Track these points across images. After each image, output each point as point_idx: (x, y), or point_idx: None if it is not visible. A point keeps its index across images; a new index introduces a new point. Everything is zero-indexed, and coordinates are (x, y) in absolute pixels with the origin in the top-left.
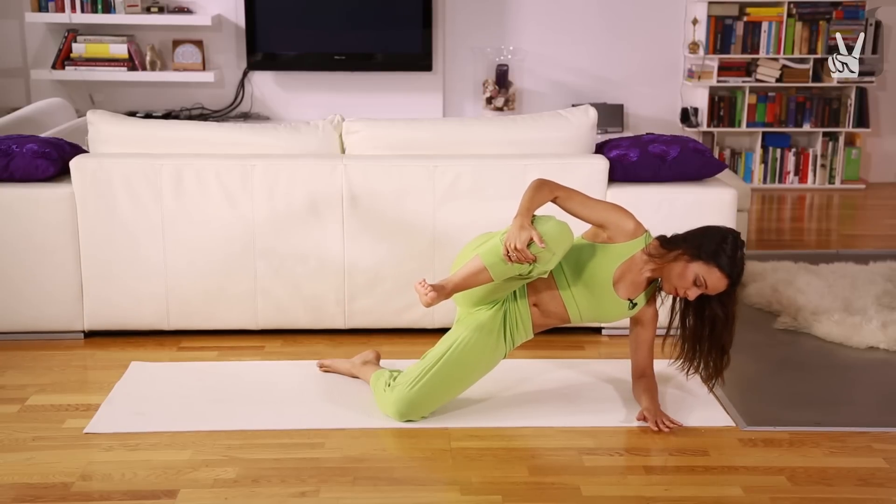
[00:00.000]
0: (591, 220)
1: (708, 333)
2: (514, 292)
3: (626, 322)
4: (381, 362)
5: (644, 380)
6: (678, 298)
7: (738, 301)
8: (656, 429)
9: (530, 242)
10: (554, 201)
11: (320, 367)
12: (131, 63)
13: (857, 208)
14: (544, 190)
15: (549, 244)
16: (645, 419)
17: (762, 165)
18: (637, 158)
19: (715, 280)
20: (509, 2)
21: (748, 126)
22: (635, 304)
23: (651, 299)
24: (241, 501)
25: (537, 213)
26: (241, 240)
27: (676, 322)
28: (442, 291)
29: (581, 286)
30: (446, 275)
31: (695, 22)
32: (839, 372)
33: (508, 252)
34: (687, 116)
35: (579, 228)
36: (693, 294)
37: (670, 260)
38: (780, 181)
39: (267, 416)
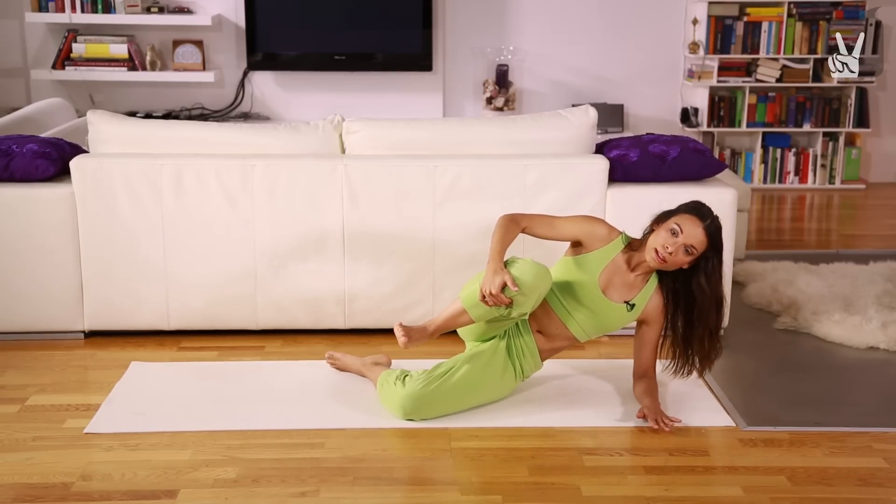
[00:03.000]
0: (564, 239)
1: (696, 313)
2: (517, 323)
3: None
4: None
5: (645, 380)
6: (670, 297)
7: (722, 281)
8: (657, 426)
9: (504, 287)
10: (523, 231)
11: (328, 358)
12: (131, 63)
13: (857, 208)
14: (511, 227)
15: (522, 287)
16: (644, 417)
17: (762, 165)
18: (637, 158)
19: (690, 226)
20: (509, 2)
21: (748, 126)
22: (633, 305)
23: (655, 297)
24: (241, 501)
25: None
26: (241, 240)
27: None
28: (423, 332)
29: (574, 302)
30: (446, 274)
31: (695, 22)
32: (839, 372)
33: (485, 297)
34: (687, 116)
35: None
36: (673, 245)
37: (650, 236)
38: (780, 181)
39: (267, 416)
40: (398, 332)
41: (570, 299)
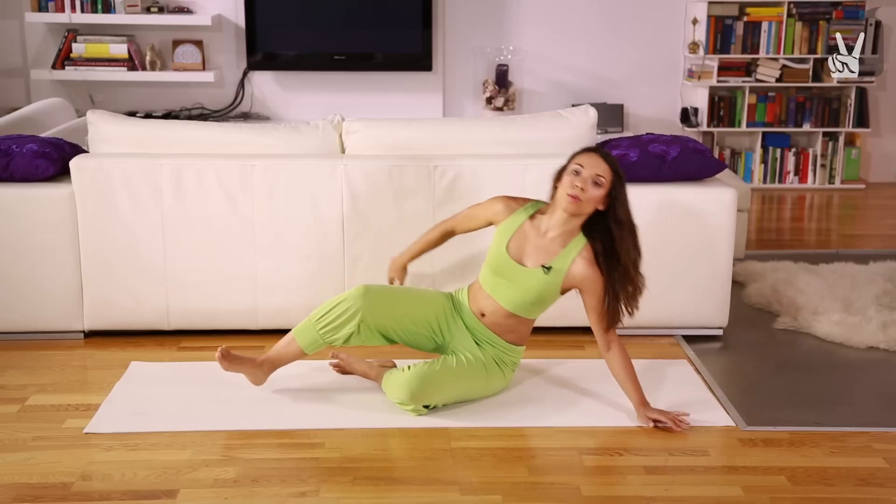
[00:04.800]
0: (485, 224)
1: (619, 248)
2: (459, 310)
3: (624, 321)
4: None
5: (614, 358)
6: (601, 255)
7: (630, 208)
8: (678, 429)
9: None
10: (453, 232)
11: (333, 357)
12: (131, 63)
13: (857, 208)
14: (432, 231)
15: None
16: (656, 422)
17: (762, 165)
18: (637, 158)
19: (589, 160)
20: (509, 2)
21: (748, 126)
22: (550, 269)
23: (579, 260)
24: (241, 501)
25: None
26: (241, 240)
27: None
28: (250, 362)
29: (493, 274)
30: (446, 274)
31: (695, 22)
32: (839, 372)
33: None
34: (687, 116)
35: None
36: (580, 180)
37: (556, 193)
38: (780, 181)
39: (267, 416)
40: (217, 352)
41: (491, 272)
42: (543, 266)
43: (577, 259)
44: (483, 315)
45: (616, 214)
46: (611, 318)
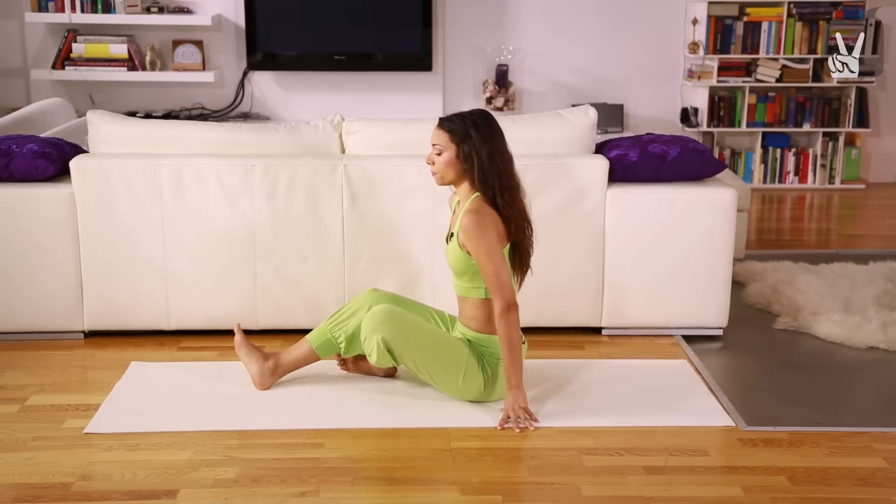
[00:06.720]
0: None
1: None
2: (448, 322)
3: (624, 321)
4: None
5: (497, 328)
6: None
7: (488, 151)
8: (517, 427)
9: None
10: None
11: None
12: (131, 63)
13: (857, 208)
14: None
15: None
16: (510, 417)
17: (762, 165)
18: (637, 158)
19: (432, 134)
20: (509, 2)
21: (748, 126)
22: (453, 234)
23: (463, 218)
24: (241, 501)
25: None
26: (241, 240)
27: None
28: (259, 352)
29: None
30: (446, 274)
31: (695, 22)
32: (839, 372)
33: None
34: (687, 116)
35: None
36: (428, 157)
37: None
38: (780, 181)
39: (267, 416)
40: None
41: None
42: (452, 234)
43: (462, 216)
44: (460, 311)
45: (474, 166)
46: (490, 280)
